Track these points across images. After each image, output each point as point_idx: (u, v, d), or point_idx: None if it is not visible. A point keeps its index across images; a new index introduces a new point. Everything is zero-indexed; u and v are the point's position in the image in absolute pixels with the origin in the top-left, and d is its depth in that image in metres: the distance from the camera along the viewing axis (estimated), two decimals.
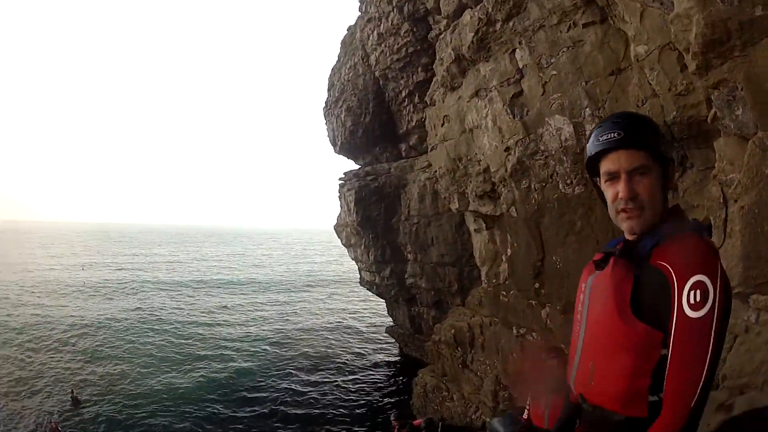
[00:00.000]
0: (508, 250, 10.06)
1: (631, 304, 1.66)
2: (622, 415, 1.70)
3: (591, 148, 1.80)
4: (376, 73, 16.30)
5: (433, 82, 11.39)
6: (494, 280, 10.82)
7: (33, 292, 41.05)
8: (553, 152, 7.15)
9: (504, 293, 10.38)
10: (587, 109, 6.36)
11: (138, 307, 34.95)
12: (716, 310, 1.49)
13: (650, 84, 5.20)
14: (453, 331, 12.69)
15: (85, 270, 55.89)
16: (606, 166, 1.77)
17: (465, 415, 11.83)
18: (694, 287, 1.51)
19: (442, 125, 10.65)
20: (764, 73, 3.58)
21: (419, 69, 14.55)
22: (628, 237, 1.81)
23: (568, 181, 7.10)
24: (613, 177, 1.74)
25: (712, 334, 1.48)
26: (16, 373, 21.76)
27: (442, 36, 10.11)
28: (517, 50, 7.63)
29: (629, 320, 1.65)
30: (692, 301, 1.50)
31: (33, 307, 35.20)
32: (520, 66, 7.59)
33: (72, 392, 18.97)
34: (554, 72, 6.85)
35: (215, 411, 17.21)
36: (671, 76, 4.89)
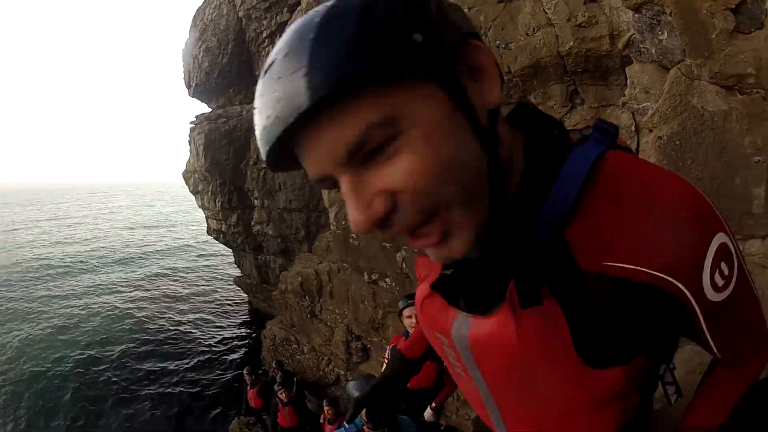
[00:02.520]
0: None
1: (579, 346, 0.79)
2: None
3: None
4: (240, 14, 14.72)
5: (296, 11, 10.13)
6: (343, 222, 9.98)
7: None
8: None
9: (354, 236, 9.56)
10: None
11: None
12: (744, 268, 0.83)
13: (546, 13, 4.50)
14: (299, 278, 11.88)
15: None
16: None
17: (318, 369, 11.15)
18: (717, 259, 0.76)
19: None
20: (698, 2, 3.00)
21: (284, 9, 13.17)
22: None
23: None
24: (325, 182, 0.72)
25: (752, 286, 0.85)
26: None
27: None
28: None
29: (585, 376, 0.82)
30: (721, 282, 0.79)
31: None
32: None
33: None
34: None
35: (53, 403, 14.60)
36: (572, 6, 4.23)
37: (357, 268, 9.63)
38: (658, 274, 0.71)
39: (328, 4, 0.61)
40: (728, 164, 3.11)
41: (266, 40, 14.39)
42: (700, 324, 0.80)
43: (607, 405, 0.85)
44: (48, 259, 32.24)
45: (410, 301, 4.48)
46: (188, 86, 18.09)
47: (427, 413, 4.81)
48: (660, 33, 3.32)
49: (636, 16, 3.43)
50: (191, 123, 17.90)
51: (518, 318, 0.79)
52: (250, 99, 14.08)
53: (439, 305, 0.94)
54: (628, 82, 3.81)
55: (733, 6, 2.85)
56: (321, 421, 8.42)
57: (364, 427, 4.17)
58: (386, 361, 5.43)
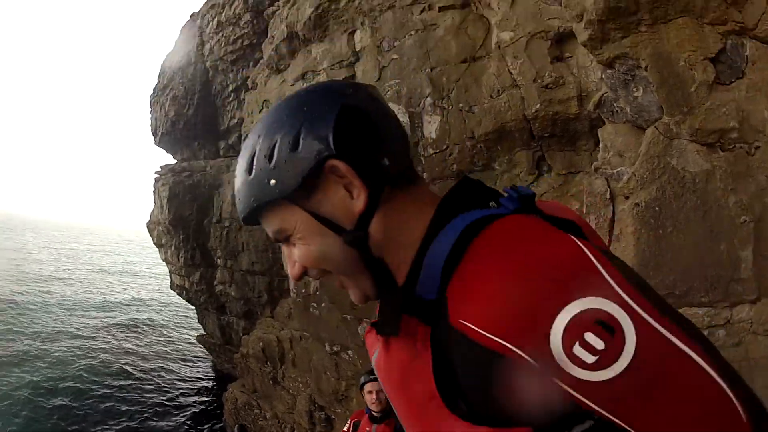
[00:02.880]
0: None
1: (446, 396, 0.78)
2: None
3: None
4: (207, 64, 14.69)
5: (258, 65, 9.95)
6: (303, 291, 9.54)
7: None
8: None
9: (314, 305, 9.10)
10: (429, 98, 5.27)
11: None
12: (660, 330, 0.67)
13: (511, 73, 4.24)
14: (261, 344, 11.46)
15: None
16: None
17: None
18: (575, 334, 0.66)
19: (260, 111, 9.30)
20: (675, 53, 2.84)
21: (251, 64, 12.97)
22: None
23: None
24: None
25: (681, 347, 0.68)
26: None
27: (278, 11, 8.64)
28: (358, 31, 6.43)
29: (450, 424, 0.77)
30: (592, 358, 0.66)
31: None
32: (358, 48, 6.40)
33: None
34: (395, 56, 5.75)
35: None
36: (538, 66, 3.98)
37: (318, 338, 9.18)
38: (498, 339, 0.69)
39: (250, 139, 0.94)
40: (712, 228, 2.87)
41: (231, 95, 14.21)
42: (599, 411, 0.67)
43: None
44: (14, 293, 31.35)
45: (372, 377, 4.32)
46: (154, 134, 17.86)
47: None
48: (635, 89, 3.08)
49: (608, 72, 3.19)
50: (156, 173, 17.50)
51: (388, 348, 0.90)
52: (215, 154, 13.67)
53: (373, 339, 1.03)
54: (601, 145, 3.52)
55: (713, 55, 2.69)
56: None
57: None
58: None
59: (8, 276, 38.25)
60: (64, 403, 15.95)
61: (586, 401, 0.67)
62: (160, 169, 17.28)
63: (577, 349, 0.66)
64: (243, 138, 11.44)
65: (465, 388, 0.76)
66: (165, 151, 18.34)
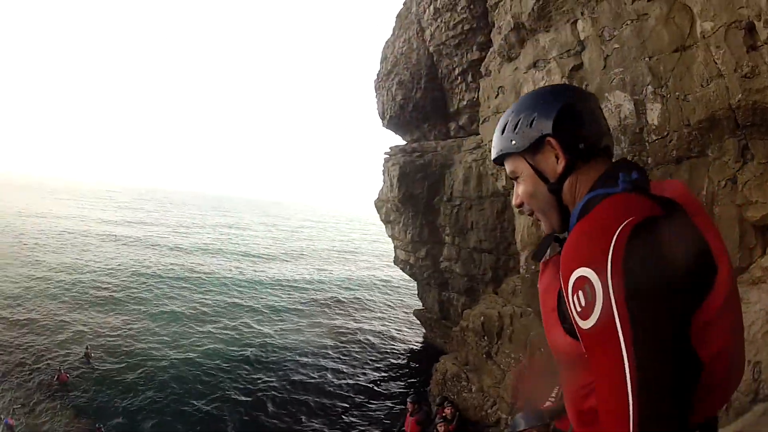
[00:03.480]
0: None
1: (560, 312, 1.33)
2: None
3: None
4: (431, 49, 16.06)
5: (489, 52, 11.01)
6: (533, 267, 10.38)
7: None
8: (611, 130, 6.70)
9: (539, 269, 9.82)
10: (649, 86, 5.96)
11: (172, 266, 35.82)
12: (615, 316, 1.07)
13: (716, 63, 4.84)
14: (482, 318, 12.36)
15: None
16: None
17: (481, 408, 11.54)
18: (576, 288, 1.15)
19: (496, 96, 10.27)
20: None
21: (474, 47, 14.31)
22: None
23: None
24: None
25: (621, 347, 1.06)
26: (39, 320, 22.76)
27: (501, 3, 9.68)
28: (579, 21, 7.22)
29: (558, 333, 1.34)
30: (578, 308, 1.15)
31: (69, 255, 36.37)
32: (582, 38, 7.20)
33: (87, 348, 19.73)
34: (617, 45, 6.47)
35: (222, 386, 17.61)
36: (737, 56, 4.54)
37: (540, 314, 9.71)
38: (561, 278, 1.23)
39: (507, 113, 1.57)
40: None
41: (458, 78, 15.40)
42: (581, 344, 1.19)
43: (572, 368, 1.32)
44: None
45: None
46: (382, 117, 19.76)
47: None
48: None
49: None
50: (386, 153, 19.47)
51: (541, 274, 1.52)
52: (445, 135, 15.11)
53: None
54: None
55: None
56: None
57: None
58: (551, 399, 5.68)
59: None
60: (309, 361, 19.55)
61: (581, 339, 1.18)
62: (389, 150, 19.22)
63: (574, 299, 1.15)
64: (478, 120, 12.38)
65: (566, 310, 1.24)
66: (393, 133, 20.23)
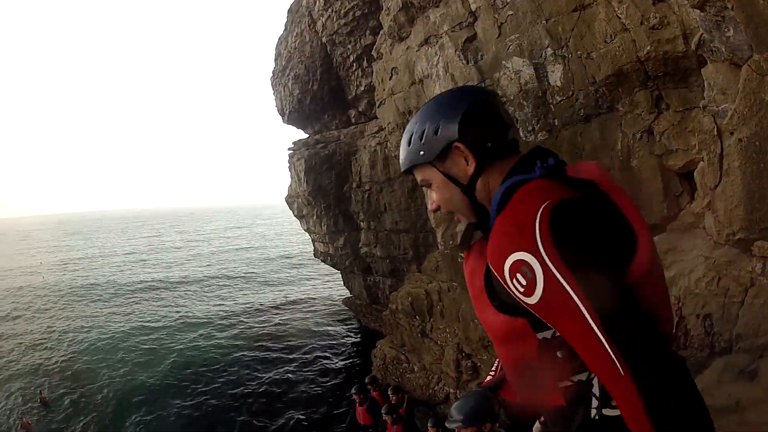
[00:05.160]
0: None
1: (488, 293, 1.48)
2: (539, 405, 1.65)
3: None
4: (323, 39, 15.60)
5: (379, 35, 10.62)
6: (451, 242, 10.12)
7: None
8: (512, 97, 6.41)
9: (461, 256, 9.61)
10: (548, 48, 5.67)
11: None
12: (564, 284, 1.19)
13: (619, 18, 4.61)
14: (410, 298, 12.16)
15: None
16: None
17: (428, 387, 11.38)
18: (513, 271, 1.26)
19: (390, 78, 9.87)
20: None
21: (367, 32, 13.92)
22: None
23: (530, 128, 6.38)
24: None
25: (579, 306, 1.18)
26: None
27: None
28: None
29: (490, 312, 1.48)
30: (521, 288, 1.26)
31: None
32: (473, 8, 6.82)
33: (40, 393, 18.36)
34: (510, 12, 6.14)
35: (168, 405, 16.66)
36: (643, 8, 4.33)
37: (466, 287, 9.61)
38: (490, 264, 1.34)
39: (411, 123, 1.60)
40: None
41: (353, 65, 15.01)
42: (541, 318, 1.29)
43: (508, 344, 1.49)
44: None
45: None
46: (282, 114, 19.16)
47: (536, 427, 5.04)
48: (726, 30, 3.33)
49: (701, 14, 3.47)
50: (289, 149, 18.90)
51: (468, 258, 1.64)
52: (346, 123, 14.64)
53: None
54: (705, 84, 3.80)
55: None
56: None
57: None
58: (492, 374, 5.83)
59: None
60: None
61: (531, 310, 1.27)
62: (293, 145, 18.66)
63: (514, 282, 1.25)
64: (375, 104, 11.99)
65: (497, 289, 1.41)
66: (295, 128, 19.67)
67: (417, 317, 11.98)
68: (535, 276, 1.21)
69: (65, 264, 53.36)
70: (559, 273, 1.18)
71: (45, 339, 24.75)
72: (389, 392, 10.54)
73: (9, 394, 19.04)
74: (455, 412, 3.98)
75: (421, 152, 1.54)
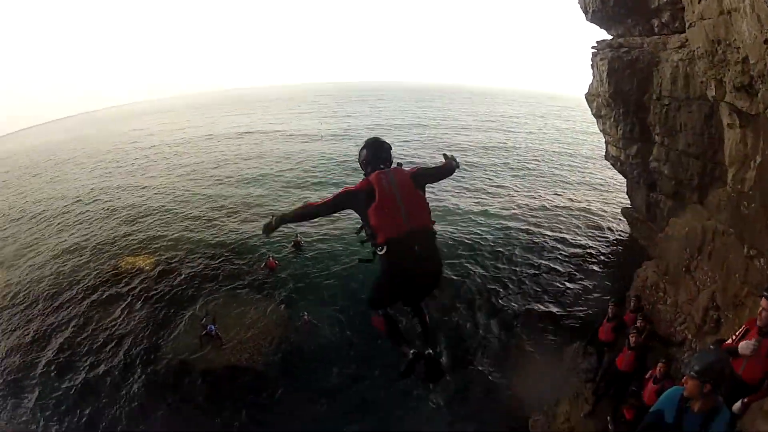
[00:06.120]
0: (758, 157, 8.46)
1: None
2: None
3: None
4: None
5: None
6: (739, 186, 9.22)
7: None
8: None
9: (746, 204, 8.79)
10: None
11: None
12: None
13: None
14: (686, 229, 11.57)
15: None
16: None
17: (671, 324, 10.91)
18: None
19: (699, 2, 8.85)
20: None
21: None
22: None
23: None
24: None
25: None
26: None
27: None
28: None
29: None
30: None
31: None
32: None
33: (297, 236, 21.68)
34: None
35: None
36: None
37: (740, 238, 8.96)
38: None
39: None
40: None
41: None
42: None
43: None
44: None
45: None
46: (585, 11, 18.23)
47: (737, 406, 5.16)
48: None
49: None
50: (593, 48, 18.17)
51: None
52: (648, 31, 13.65)
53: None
54: None
55: None
56: (647, 375, 8.43)
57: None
58: (733, 338, 5.87)
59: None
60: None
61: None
62: (596, 44, 17.92)
63: None
64: (680, 18, 10.85)
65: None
66: (598, 27, 18.54)
67: (687, 250, 11.37)
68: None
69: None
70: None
71: None
72: (639, 318, 10.46)
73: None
74: (695, 362, 4.06)
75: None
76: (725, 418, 4.15)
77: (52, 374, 14.51)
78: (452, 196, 28.15)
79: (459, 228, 23.05)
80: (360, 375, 13.72)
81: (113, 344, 15.62)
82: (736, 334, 5.84)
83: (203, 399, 13.11)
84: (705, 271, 10.49)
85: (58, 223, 28.92)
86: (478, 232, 22.73)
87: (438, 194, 27.52)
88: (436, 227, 3.95)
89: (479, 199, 27.94)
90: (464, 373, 13.65)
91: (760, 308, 5.28)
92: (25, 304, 18.91)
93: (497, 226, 23.45)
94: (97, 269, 21.09)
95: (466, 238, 21.85)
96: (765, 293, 5.18)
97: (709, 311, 9.59)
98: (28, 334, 16.69)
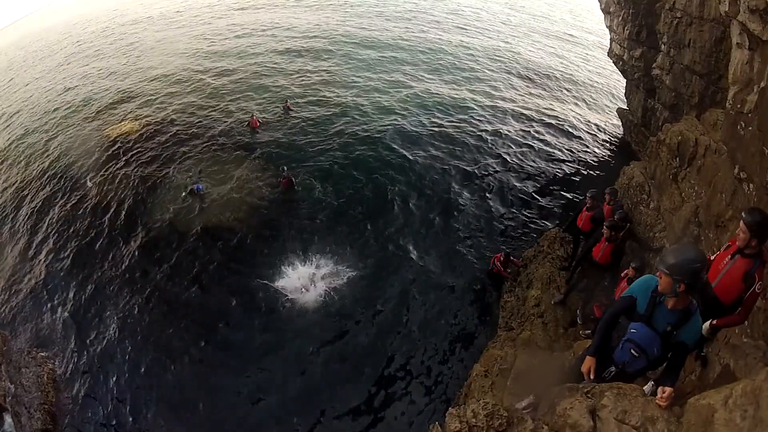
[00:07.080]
0: (762, 82, 8.42)
1: None
2: None
3: None
4: None
5: None
6: (739, 106, 9.21)
7: None
8: None
9: (743, 125, 8.92)
10: None
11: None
12: None
13: None
14: (680, 138, 11.76)
15: None
16: None
17: (650, 228, 11.57)
18: None
19: None
20: None
21: None
22: None
23: None
24: None
25: None
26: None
27: None
28: None
29: None
30: None
31: None
32: None
33: (286, 101, 22.12)
34: None
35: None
36: None
37: (732, 158, 9.25)
38: None
39: None
40: None
41: None
42: None
43: None
44: None
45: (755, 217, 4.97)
46: None
47: (705, 326, 5.13)
48: None
49: None
50: None
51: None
52: None
53: None
54: None
55: None
56: (622, 274, 8.90)
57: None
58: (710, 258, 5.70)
59: None
60: None
61: None
62: None
63: None
64: None
65: None
66: None
67: (677, 158, 11.72)
68: None
69: None
70: None
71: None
72: (617, 212, 10.85)
73: (263, 94, 22.93)
74: (670, 256, 3.83)
75: None
76: (696, 327, 4.01)
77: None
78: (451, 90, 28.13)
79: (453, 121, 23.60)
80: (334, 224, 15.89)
81: (107, 210, 17.50)
82: (715, 256, 5.80)
83: (191, 257, 15.08)
84: (692, 184, 10.90)
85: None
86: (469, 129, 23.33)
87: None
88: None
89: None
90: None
91: (738, 229, 5.24)
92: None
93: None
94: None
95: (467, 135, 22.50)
96: (742, 214, 5.15)
97: (691, 225, 10.06)
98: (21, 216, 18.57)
